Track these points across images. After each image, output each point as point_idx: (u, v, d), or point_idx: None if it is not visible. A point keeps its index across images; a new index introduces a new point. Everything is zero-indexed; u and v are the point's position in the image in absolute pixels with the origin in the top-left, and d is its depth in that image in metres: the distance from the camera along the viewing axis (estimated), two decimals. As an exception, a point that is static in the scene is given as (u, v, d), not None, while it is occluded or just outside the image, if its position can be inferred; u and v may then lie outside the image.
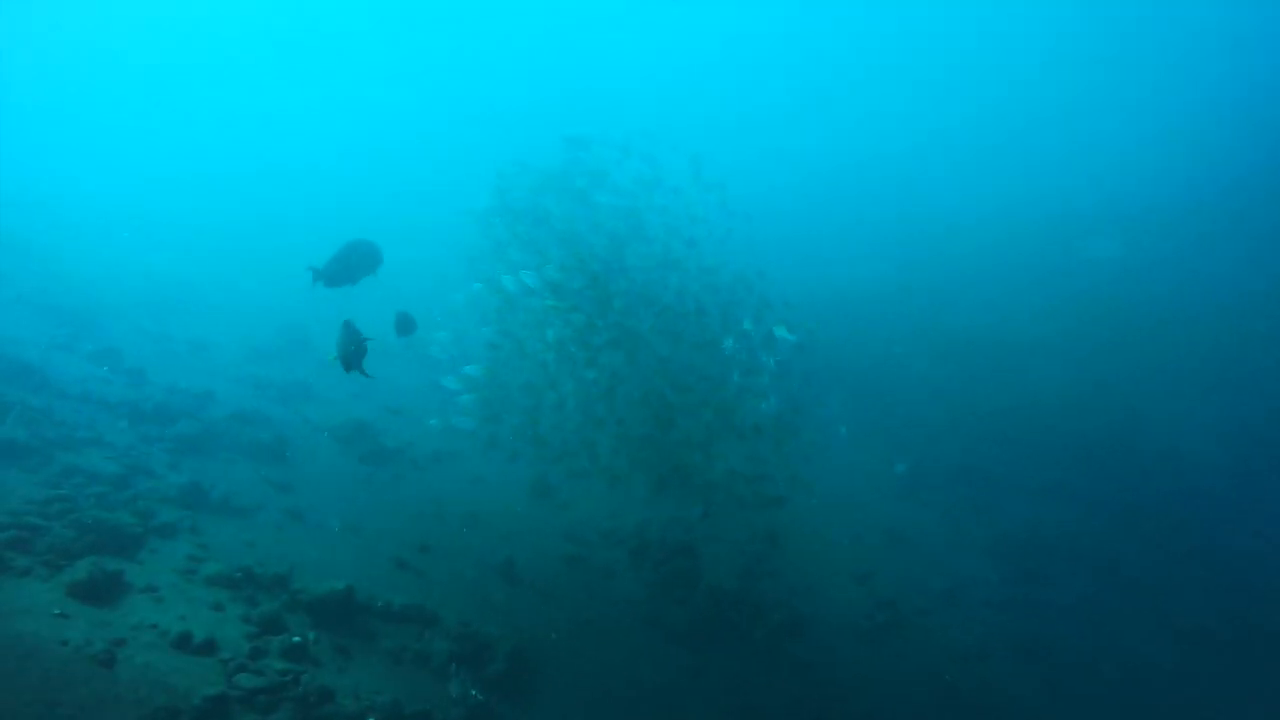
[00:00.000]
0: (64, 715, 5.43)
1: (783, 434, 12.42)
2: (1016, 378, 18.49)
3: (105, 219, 24.21)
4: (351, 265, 8.25)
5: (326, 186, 35.48)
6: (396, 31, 51.48)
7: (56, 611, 6.57)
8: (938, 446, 17.40)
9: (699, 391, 12.48)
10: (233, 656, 7.07)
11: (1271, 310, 19.07)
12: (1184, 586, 14.18)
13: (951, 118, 40.18)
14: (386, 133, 43.42)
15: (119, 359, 12.52)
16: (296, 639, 7.82)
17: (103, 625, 6.72)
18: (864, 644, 12.58)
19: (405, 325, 9.52)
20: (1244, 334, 18.92)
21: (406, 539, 11.49)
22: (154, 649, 6.65)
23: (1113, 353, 19.25)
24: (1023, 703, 11.15)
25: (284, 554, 9.54)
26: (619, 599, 12.06)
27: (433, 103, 46.53)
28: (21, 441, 8.92)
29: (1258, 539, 14.80)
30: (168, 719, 5.83)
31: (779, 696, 10.51)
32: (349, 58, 51.51)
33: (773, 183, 33.55)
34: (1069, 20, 42.79)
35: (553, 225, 13.53)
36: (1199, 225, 24.10)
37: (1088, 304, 21.23)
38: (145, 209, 26.88)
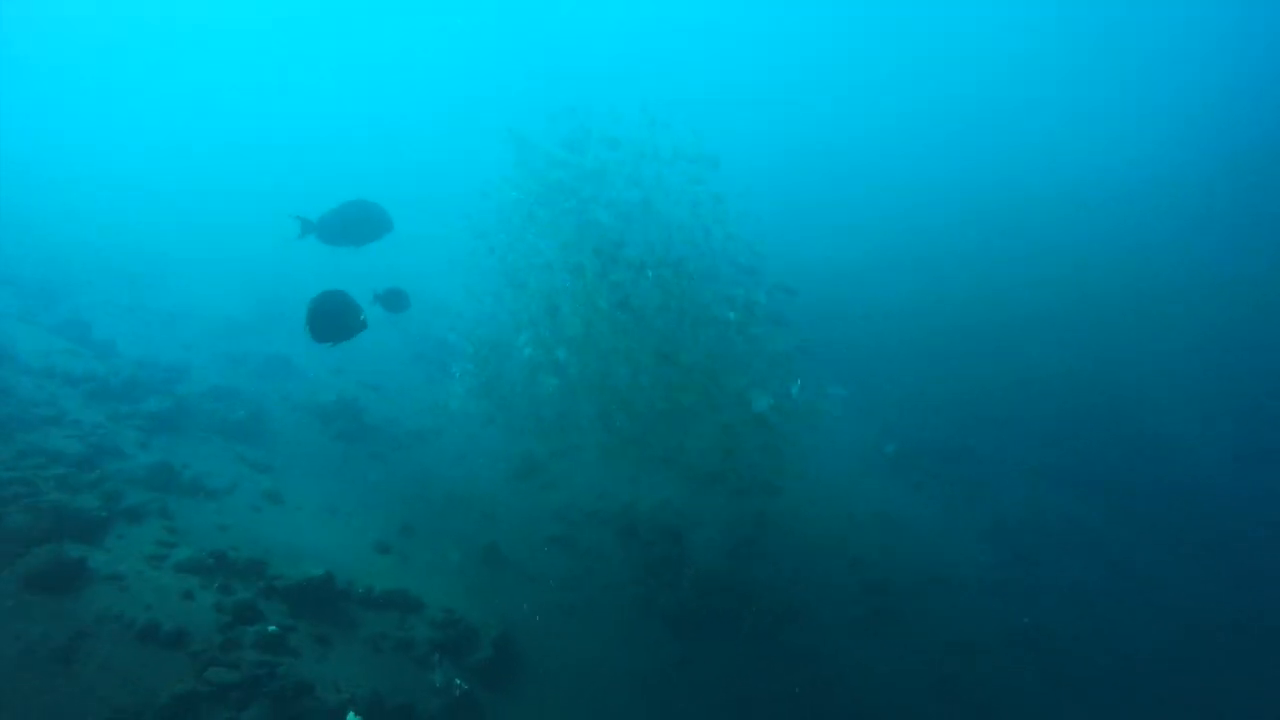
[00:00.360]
0: None
1: (779, 416, 12.18)
2: (1010, 357, 18.27)
3: (82, 187, 23.33)
4: (351, 224, 7.41)
5: (324, 159, 34.61)
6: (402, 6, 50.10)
7: (11, 604, 6.16)
8: (930, 427, 17.18)
9: (698, 368, 12.18)
10: (204, 649, 6.70)
11: (1271, 291, 18.93)
12: (1182, 573, 14.09)
13: (947, 94, 39.75)
14: (391, 107, 42.35)
15: (87, 331, 11.96)
16: (273, 628, 7.45)
17: (63, 617, 6.32)
18: (855, 630, 12.39)
19: (396, 301, 8.97)
20: (1244, 314, 18.76)
21: (388, 521, 11.12)
22: (118, 642, 6.26)
23: (1110, 332, 19.04)
24: (1017, 690, 11.01)
25: (260, 537, 9.15)
26: (606, 583, 11.77)
27: (435, 80, 45.43)
28: (-22, 419, 8.43)
29: (1257, 525, 14.72)
30: (131, 720, 5.47)
31: (769, 684, 10.30)
32: (349, 31, 50.22)
33: (757, 159, 33.10)
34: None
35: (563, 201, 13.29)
36: (1197, 204, 23.93)
37: (1085, 282, 20.99)
38: (126, 178, 25.96)
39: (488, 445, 14.41)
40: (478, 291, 14.19)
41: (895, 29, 44.95)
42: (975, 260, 22.48)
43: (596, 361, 12.44)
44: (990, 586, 13.77)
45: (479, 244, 13.80)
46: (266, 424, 12.34)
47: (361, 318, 6.79)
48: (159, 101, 40.60)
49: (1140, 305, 19.61)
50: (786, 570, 13.18)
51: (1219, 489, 15.52)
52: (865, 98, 40.41)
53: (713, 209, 13.38)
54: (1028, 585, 13.81)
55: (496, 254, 13.34)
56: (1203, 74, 34.56)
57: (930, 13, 44.35)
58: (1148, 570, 14.05)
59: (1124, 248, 22.19)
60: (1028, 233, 23.80)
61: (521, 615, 10.36)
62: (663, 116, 14.03)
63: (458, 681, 8.23)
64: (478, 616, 9.73)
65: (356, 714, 6.70)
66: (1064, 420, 16.95)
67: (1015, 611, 13.29)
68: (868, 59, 44.05)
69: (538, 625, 10.37)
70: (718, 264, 13.35)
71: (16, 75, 37.86)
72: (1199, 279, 20.07)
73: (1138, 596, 13.41)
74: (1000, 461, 15.98)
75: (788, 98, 41.05)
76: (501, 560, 11.27)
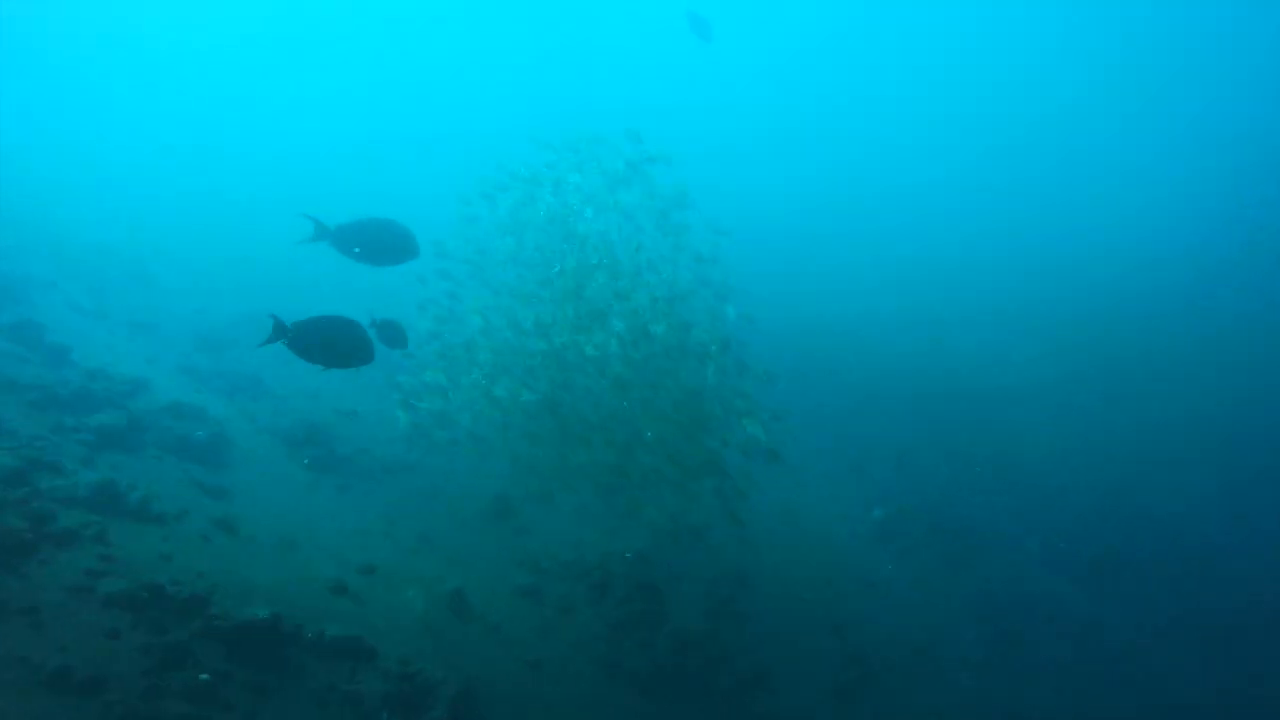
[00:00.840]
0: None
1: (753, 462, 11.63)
2: (1006, 425, 17.90)
3: (54, 184, 22.57)
4: (370, 239, 6.67)
5: (307, 173, 34.09)
6: (396, 22, 50.25)
7: (-101, 638, 5.43)
8: (920, 492, 16.69)
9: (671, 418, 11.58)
10: (121, 699, 5.96)
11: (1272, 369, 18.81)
12: (1173, 657, 13.58)
13: (950, 154, 40.31)
14: (382, 127, 42.00)
15: (40, 334, 11.25)
16: (204, 676, 6.72)
17: (-40, 656, 5.57)
18: (834, 700, 11.79)
19: (393, 335, 8.19)
20: (1248, 392, 18.57)
21: (349, 559, 10.38)
22: (19, 691, 5.52)
23: (1108, 404, 18.79)
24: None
25: (206, 570, 8.39)
26: (576, 639, 11.06)
27: (427, 101, 45.25)
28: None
29: (1253, 608, 14.27)
30: (21, 786, 4.73)
31: (746, 760, 9.60)
32: (344, 46, 50.27)
33: (749, 210, 33.10)
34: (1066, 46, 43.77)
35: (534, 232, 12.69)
36: (1203, 281, 24.02)
37: (1080, 352, 20.83)
38: (102, 177, 25.23)
39: (462, 483, 13.72)
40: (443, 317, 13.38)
41: (900, 85, 45.83)
42: (977, 323, 22.27)
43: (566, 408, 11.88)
44: (974, 664, 13.20)
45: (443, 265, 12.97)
46: (228, 447, 11.61)
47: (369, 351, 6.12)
48: (154, 100, 39.97)
49: (1139, 378, 19.43)
50: (766, 632, 12.56)
51: (1215, 573, 15.12)
52: (855, 156, 40.81)
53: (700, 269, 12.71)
54: (1013, 666, 13.25)
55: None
56: (1227, 147, 35.21)
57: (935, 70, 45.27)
58: (1140, 658, 13.54)
59: (1128, 319, 22.10)
60: (1031, 299, 23.71)
61: (484, 670, 9.62)
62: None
63: (408, 745, 7.49)
64: (437, 670, 8.99)
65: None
66: (1055, 495, 16.56)
67: (999, 692, 12.74)
68: (869, 113, 44.69)
69: (500, 681, 9.63)
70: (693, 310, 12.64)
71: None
72: (1204, 354, 19.94)
73: (1129, 686, 12.86)
74: (989, 533, 15.50)
75: (784, 149, 41.34)
76: (467, 609, 10.53)
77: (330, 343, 5.89)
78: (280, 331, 5.61)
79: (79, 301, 14.57)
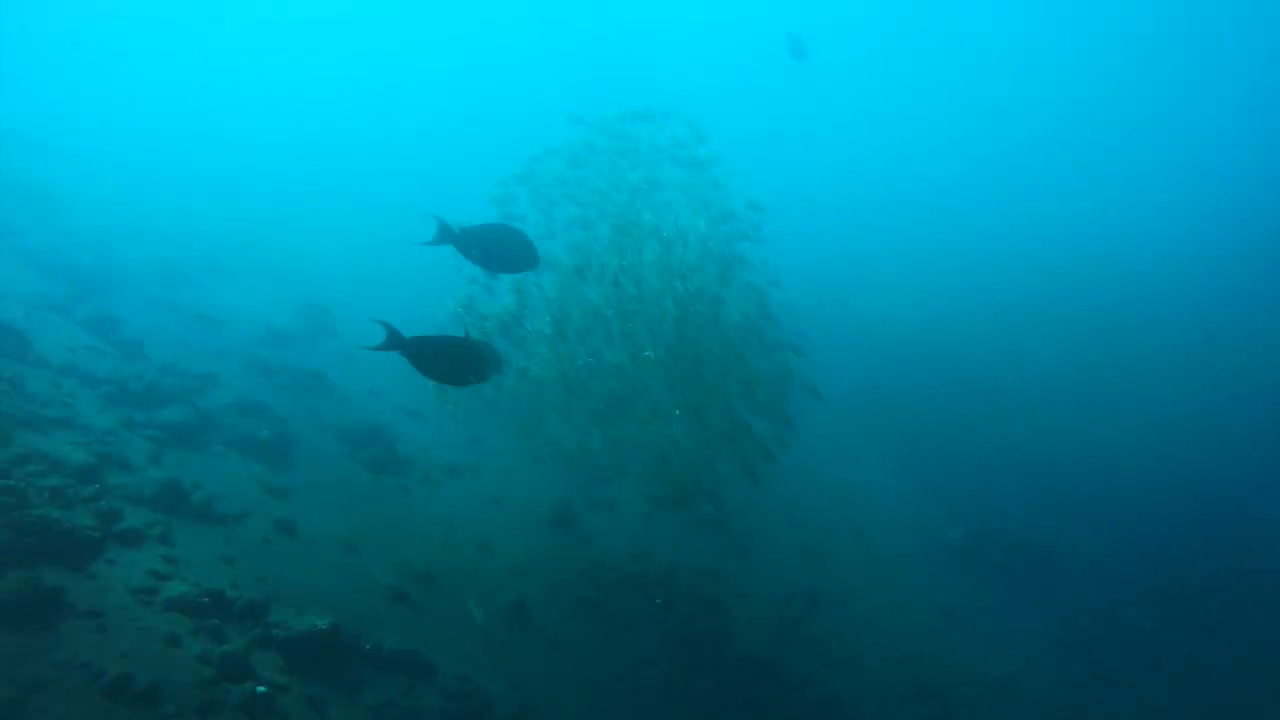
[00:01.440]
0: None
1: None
2: (1094, 441, 16.71)
3: (131, 172, 23.04)
4: (491, 247, 6.47)
5: (382, 157, 34.35)
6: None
7: (-39, 640, 5.29)
8: (1000, 514, 15.74)
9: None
10: (178, 711, 5.75)
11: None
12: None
13: (1017, 150, 38.98)
14: (468, 103, 41.85)
15: (116, 328, 11.35)
16: (262, 689, 6.49)
17: (21, 661, 5.41)
18: (908, 737, 11.10)
19: (485, 364, 6.91)
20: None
21: (409, 565, 10.14)
22: (80, 699, 5.33)
23: (1206, 417, 17.30)
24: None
25: (266, 574, 8.23)
26: (638, 656, 10.63)
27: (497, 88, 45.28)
28: (-21, 415, 7.72)
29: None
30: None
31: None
32: (425, 25, 50.69)
33: (818, 206, 32.37)
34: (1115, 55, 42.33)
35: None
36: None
37: (1175, 356, 19.31)
38: (178, 165, 25.71)
39: (525, 488, 13.44)
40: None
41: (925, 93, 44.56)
42: (1056, 334, 21.00)
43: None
44: (1060, 705, 12.30)
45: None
46: (292, 445, 11.52)
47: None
48: (229, 87, 40.73)
49: (1244, 386, 17.86)
50: (835, 659, 11.92)
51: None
52: (937, 145, 39.66)
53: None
54: (1104, 709, 12.30)
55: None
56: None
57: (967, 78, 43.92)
58: (1249, 710, 12.41)
59: (1226, 323, 20.48)
60: (1115, 305, 22.26)
61: (543, 686, 9.27)
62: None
63: (466, 769, 7.15)
64: (495, 686, 8.67)
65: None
66: (1156, 518, 15.30)
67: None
68: (948, 111, 43.42)
69: (559, 700, 9.27)
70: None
71: (67, 52, 37.64)
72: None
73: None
74: (1076, 559, 14.48)
75: (853, 141, 40.38)
76: (527, 622, 10.20)
77: (451, 360, 5.80)
78: (395, 341, 5.49)
79: (154, 293, 14.77)
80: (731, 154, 12.55)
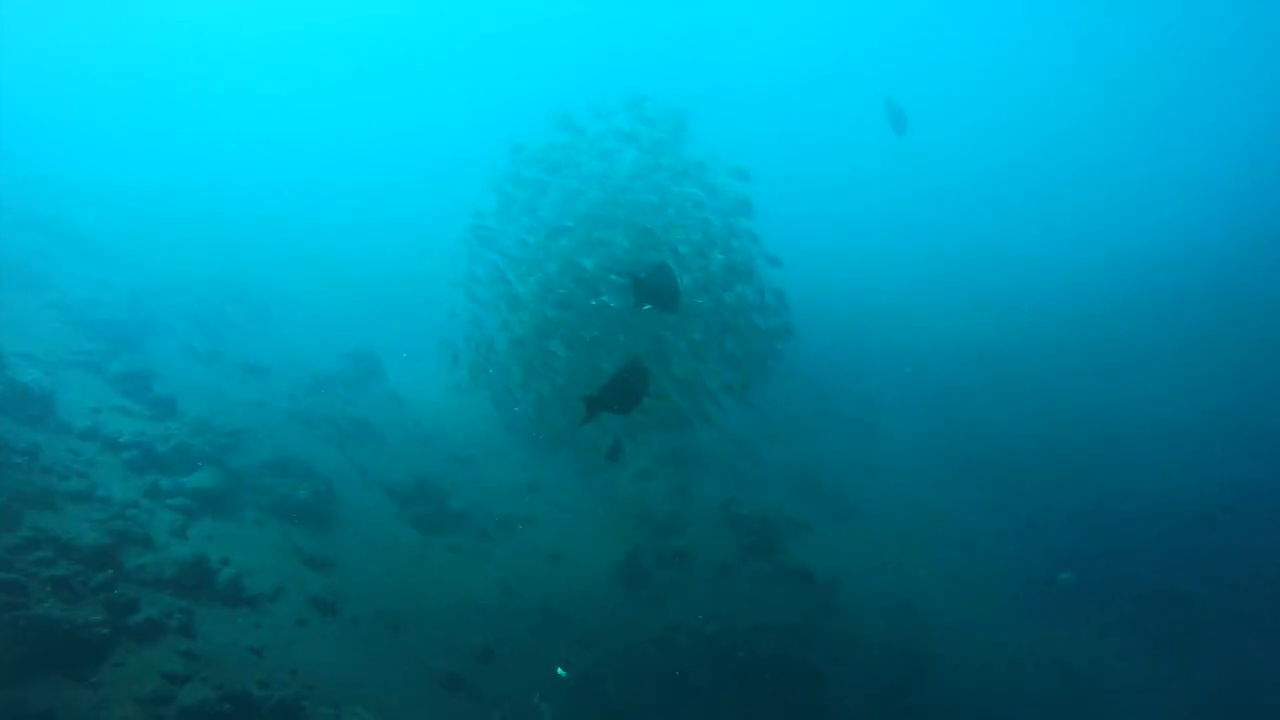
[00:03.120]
0: None
1: None
2: (1217, 476, 14.88)
3: (171, 216, 22.81)
4: (649, 289, 7.23)
5: (415, 195, 34.12)
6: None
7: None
8: (1111, 555, 14.01)
9: None
10: None
11: None
12: None
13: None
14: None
15: (149, 384, 10.59)
16: (293, 823, 5.36)
17: (-6, 816, 4.37)
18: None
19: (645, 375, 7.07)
20: None
21: (463, 641, 9.01)
22: None
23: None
24: None
25: (300, 665, 7.16)
26: (723, 737, 9.30)
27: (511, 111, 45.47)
28: (-17, 494, 6.84)
29: None
30: None
31: None
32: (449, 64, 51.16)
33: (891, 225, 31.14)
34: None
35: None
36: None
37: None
38: (216, 208, 25.52)
39: (588, 541, 12.28)
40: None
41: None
42: (1159, 346, 19.16)
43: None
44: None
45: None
46: (333, 505, 10.54)
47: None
48: (277, 135, 41.28)
49: None
50: (947, 732, 10.41)
51: None
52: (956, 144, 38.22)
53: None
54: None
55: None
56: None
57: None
58: None
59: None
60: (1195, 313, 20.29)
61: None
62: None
63: None
64: (566, 789, 7.46)
65: None
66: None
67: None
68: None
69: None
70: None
71: (119, 101, 38.28)
72: None
73: None
74: (1219, 610, 12.66)
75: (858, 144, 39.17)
76: (599, 701, 8.96)
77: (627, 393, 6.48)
78: (596, 406, 6.39)
79: (193, 344, 14.10)
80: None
